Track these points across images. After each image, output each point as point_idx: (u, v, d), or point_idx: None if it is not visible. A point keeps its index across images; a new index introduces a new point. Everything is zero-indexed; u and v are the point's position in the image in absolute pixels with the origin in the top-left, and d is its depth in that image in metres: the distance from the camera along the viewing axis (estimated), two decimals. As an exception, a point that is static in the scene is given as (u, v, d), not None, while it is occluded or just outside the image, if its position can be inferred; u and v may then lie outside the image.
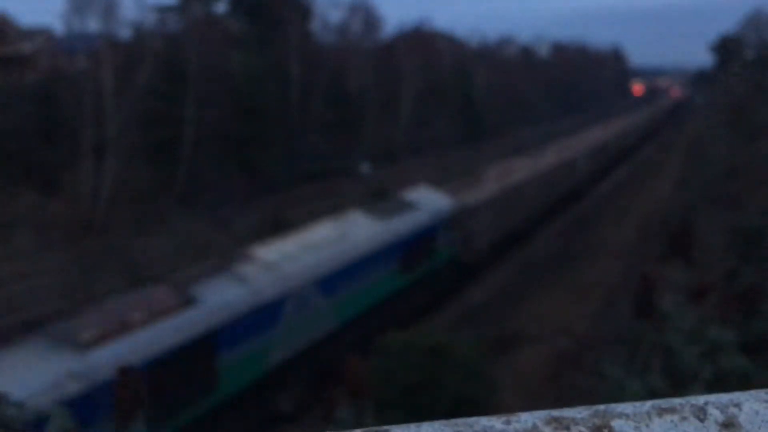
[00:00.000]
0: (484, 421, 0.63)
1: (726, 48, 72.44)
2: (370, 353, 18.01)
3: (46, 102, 38.33)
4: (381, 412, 15.88)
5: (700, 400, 0.67)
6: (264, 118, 43.52)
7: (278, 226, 33.46)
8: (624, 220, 42.51)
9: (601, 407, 0.69)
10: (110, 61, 38.11)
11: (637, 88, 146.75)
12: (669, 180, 52.84)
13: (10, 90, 39.76)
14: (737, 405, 0.66)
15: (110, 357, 13.73)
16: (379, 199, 35.70)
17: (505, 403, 19.13)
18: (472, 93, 67.20)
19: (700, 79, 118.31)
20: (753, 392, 0.68)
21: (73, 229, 33.77)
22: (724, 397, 0.67)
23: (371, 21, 58.62)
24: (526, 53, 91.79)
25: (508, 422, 0.64)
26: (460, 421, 0.62)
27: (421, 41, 63.62)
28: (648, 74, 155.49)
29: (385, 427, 0.73)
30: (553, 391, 20.18)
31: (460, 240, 31.44)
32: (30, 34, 47.68)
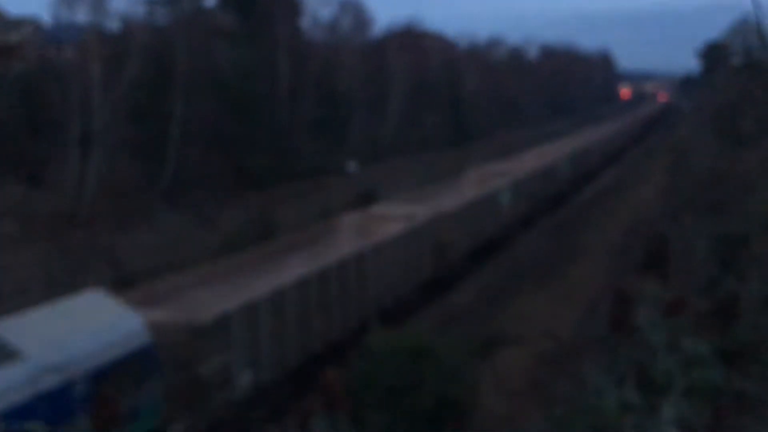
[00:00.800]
0: None
1: (712, 54, 73.08)
2: (351, 357, 18.06)
3: (32, 93, 38.14)
4: (362, 416, 15.93)
5: None
6: (252, 115, 43.48)
7: (264, 225, 33.47)
8: (608, 224, 42.69)
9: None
10: (98, 53, 37.96)
11: (625, 92, 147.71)
12: (653, 185, 53.13)
13: (-4, 81, 39.57)
14: None
15: None
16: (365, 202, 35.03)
17: (487, 406, 19.23)
18: (461, 94, 67.42)
19: (686, 84, 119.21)
20: None
21: (57, 222, 33.63)
22: None
23: (361, 19, 58.73)
24: (516, 55, 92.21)
25: None
26: None
27: (411, 41, 63.75)
28: (635, 78, 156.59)
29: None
30: (535, 394, 20.27)
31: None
32: (17, 23, 47.40)
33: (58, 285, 28.42)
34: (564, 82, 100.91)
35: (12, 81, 40.07)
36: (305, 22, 54.65)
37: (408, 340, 18.06)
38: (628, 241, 34.64)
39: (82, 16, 39.81)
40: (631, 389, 2.73)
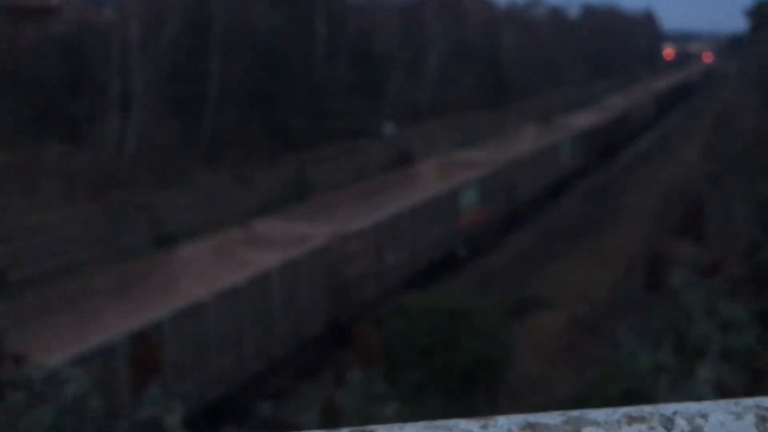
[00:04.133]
0: (462, 424, 0.65)
1: (761, 13, 70.85)
2: (385, 317, 18.20)
3: (73, 54, 38.44)
4: (397, 373, 16.09)
5: (669, 409, 0.70)
6: (288, 76, 43.40)
7: (301, 186, 33.62)
8: (648, 186, 42.17)
9: (575, 413, 0.72)
10: (137, 13, 38.08)
11: (668, 52, 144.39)
12: (696, 147, 52.22)
13: (37, 41, 39.91)
14: (704, 416, 0.69)
15: None
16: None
17: (522, 367, 19.28)
18: (500, 55, 66.48)
19: (732, 44, 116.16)
20: (722, 402, 0.71)
21: (97, 182, 34.12)
22: (692, 407, 0.70)
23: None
24: (556, 15, 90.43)
25: (485, 426, 0.67)
26: (440, 423, 0.65)
27: (449, 1, 62.87)
28: (680, 39, 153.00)
29: (370, 427, 0.76)
30: (570, 356, 20.27)
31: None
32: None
33: (100, 242, 29.03)
34: (606, 42, 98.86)
35: (52, 42, 40.45)
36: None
37: (443, 300, 18.17)
38: (667, 203, 34.24)
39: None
40: (666, 351, 2.70)
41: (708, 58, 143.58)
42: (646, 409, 0.72)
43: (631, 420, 0.69)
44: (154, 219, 32.02)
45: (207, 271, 17.73)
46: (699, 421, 0.69)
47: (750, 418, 0.68)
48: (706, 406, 0.70)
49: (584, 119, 50.21)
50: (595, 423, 0.69)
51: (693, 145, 54.52)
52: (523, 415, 0.71)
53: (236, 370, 16.57)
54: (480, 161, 33.47)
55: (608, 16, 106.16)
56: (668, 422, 0.69)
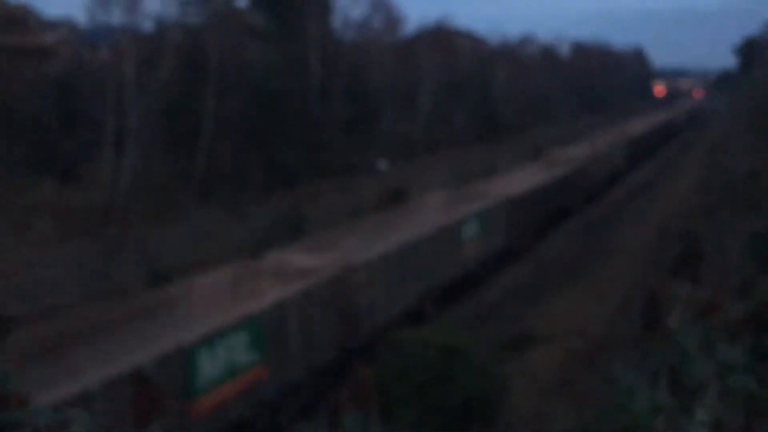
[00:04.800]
0: None
1: (749, 50, 71.82)
2: (382, 352, 18.10)
3: (68, 92, 38.70)
4: (392, 409, 15.96)
5: None
6: (283, 112, 43.76)
7: (295, 221, 33.66)
8: (641, 221, 42.32)
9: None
10: (132, 53, 38.41)
11: (659, 89, 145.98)
12: (688, 182, 52.58)
13: (33, 80, 40.18)
14: None
15: None
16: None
17: (517, 403, 19.16)
18: (492, 91, 67.18)
19: (721, 81, 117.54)
20: None
21: (92, 218, 34.10)
22: None
23: (392, 18, 58.79)
24: (547, 52, 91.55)
25: None
26: None
27: (442, 39, 63.66)
28: (670, 75, 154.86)
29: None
30: (565, 392, 20.16)
31: None
32: (53, 25, 48.21)
33: (92, 280, 28.88)
34: (597, 79, 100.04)
35: (48, 81, 40.74)
36: (336, 21, 54.88)
37: (438, 336, 18.09)
38: (661, 238, 34.34)
39: (116, 17, 40.36)
40: (663, 391, 2.78)
41: (698, 94, 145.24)
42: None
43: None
44: (148, 255, 31.93)
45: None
46: None
47: None
48: None
49: (520, 181, 38.09)
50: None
51: (685, 179, 54.80)
52: None
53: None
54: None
55: (599, 54, 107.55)
56: None
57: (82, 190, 36.41)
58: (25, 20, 44.68)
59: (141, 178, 37.54)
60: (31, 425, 1.87)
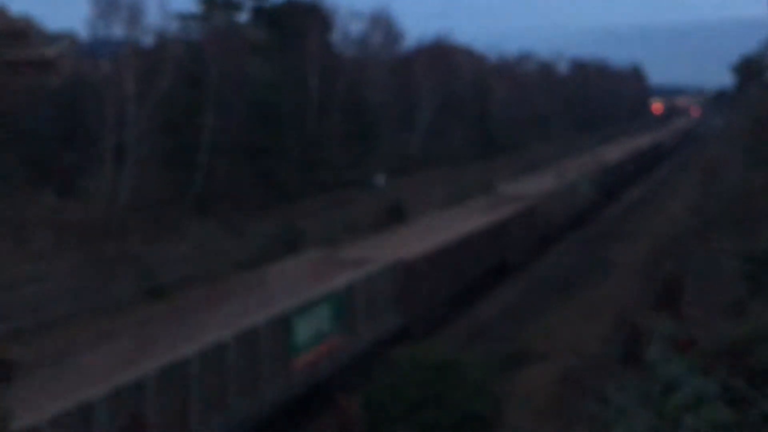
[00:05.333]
0: None
1: (747, 68, 72.19)
2: (375, 372, 18.17)
3: (68, 106, 38.88)
4: (387, 429, 16.04)
5: None
6: (281, 128, 43.99)
7: (292, 237, 33.79)
8: (635, 241, 42.39)
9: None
10: (133, 67, 38.64)
11: (656, 107, 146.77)
12: (682, 201, 52.68)
13: (33, 93, 40.36)
14: None
15: None
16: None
17: (511, 421, 19.24)
18: (490, 108, 67.50)
19: (718, 99, 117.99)
20: None
21: (89, 233, 34.19)
22: None
23: (391, 34, 59.16)
24: (545, 69, 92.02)
25: None
26: None
27: (440, 55, 64.04)
28: (667, 93, 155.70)
29: None
30: (559, 411, 20.25)
31: None
32: (54, 38, 48.50)
33: (91, 294, 28.95)
34: (594, 96, 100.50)
35: (49, 94, 40.93)
36: (335, 37, 55.22)
37: (432, 354, 18.14)
38: (653, 259, 34.43)
39: (117, 31, 40.59)
40: (642, 421, 3.05)
41: (696, 112, 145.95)
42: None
43: None
44: (145, 270, 32.03)
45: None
46: None
47: None
48: None
49: (436, 231, 29.61)
50: None
51: (678, 199, 54.91)
52: None
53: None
54: None
55: (596, 71, 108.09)
56: None
57: (81, 204, 36.53)
58: (26, 33, 44.98)
59: (139, 192, 37.68)
60: None
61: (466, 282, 29.33)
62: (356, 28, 58.03)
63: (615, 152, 63.72)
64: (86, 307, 28.08)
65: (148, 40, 43.49)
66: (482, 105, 66.77)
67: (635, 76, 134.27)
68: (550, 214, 39.86)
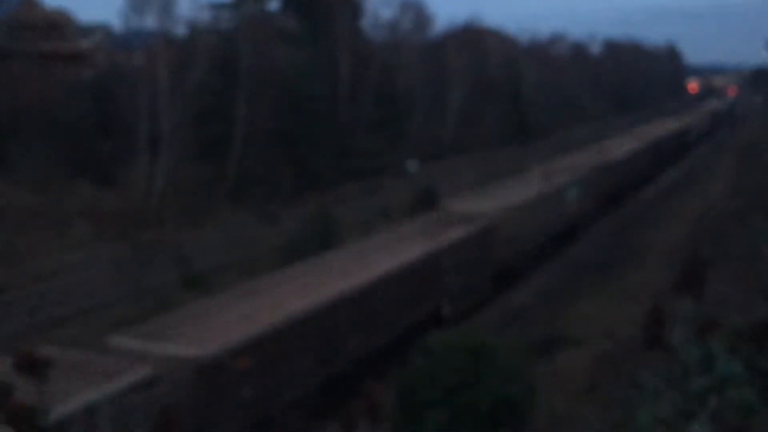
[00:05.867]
0: None
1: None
2: (411, 356, 18.19)
3: (104, 97, 39.33)
4: (423, 413, 16.10)
5: None
6: (313, 115, 44.09)
7: (325, 224, 33.92)
8: (672, 223, 41.95)
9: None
10: (165, 57, 38.95)
11: (693, 86, 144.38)
12: (721, 182, 51.91)
13: (69, 85, 40.95)
14: None
15: None
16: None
17: (546, 405, 19.24)
18: (522, 91, 66.89)
19: (756, 78, 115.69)
20: None
21: (127, 221, 34.67)
22: None
23: (422, 18, 58.87)
24: (578, 51, 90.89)
25: None
26: None
27: (471, 39, 63.59)
28: (704, 72, 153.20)
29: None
30: (593, 395, 20.21)
31: None
32: (88, 30, 49.06)
33: (127, 283, 29.43)
34: (628, 77, 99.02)
35: (84, 86, 41.48)
36: (366, 23, 55.12)
37: (467, 339, 18.14)
38: (690, 243, 34.04)
39: (151, 22, 40.92)
40: (665, 403, 2.82)
41: (733, 92, 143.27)
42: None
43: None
44: (182, 257, 32.44)
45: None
46: None
47: None
48: None
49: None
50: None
51: (718, 180, 53.96)
52: None
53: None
54: None
55: (630, 52, 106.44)
56: None
57: (118, 193, 37.02)
58: (61, 26, 45.53)
59: (174, 181, 38.06)
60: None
61: (357, 358, 20.55)
62: (386, 13, 57.92)
63: (623, 144, 53.02)
64: (124, 296, 28.62)
65: (180, 30, 43.88)
66: (514, 88, 66.18)
67: (670, 55, 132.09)
68: (514, 238, 30.42)
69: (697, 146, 75.27)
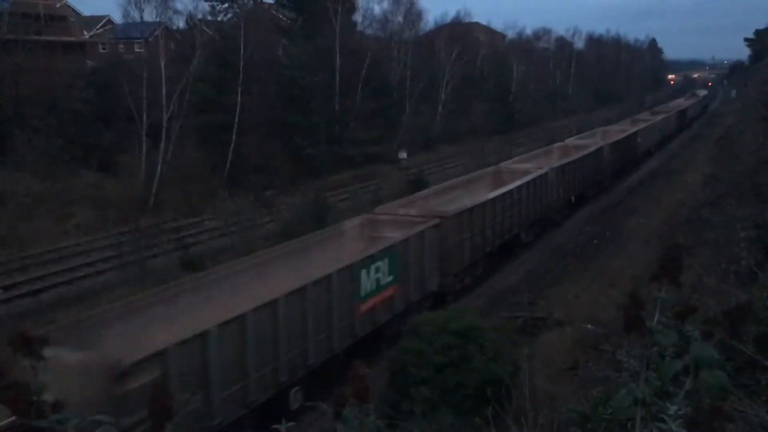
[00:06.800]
0: None
1: (762, 41, 72.27)
2: (400, 336, 19.14)
3: (106, 86, 40.09)
4: (412, 391, 17.02)
5: None
6: (308, 106, 44.96)
7: (319, 210, 34.86)
8: (651, 210, 42.84)
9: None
10: (164, 48, 39.69)
11: (673, 80, 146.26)
12: (698, 172, 52.84)
13: (72, 75, 41.68)
14: None
15: None
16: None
17: (529, 385, 20.43)
18: (508, 83, 67.98)
19: (733, 71, 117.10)
20: None
21: (128, 207, 35.51)
22: None
23: (412, 13, 59.86)
24: (562, 45, 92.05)
25: None
26: None
27: (460, 33, 64.59)
28: (684, 67, 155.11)
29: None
30: (576, 376, 21.32)
31: None
32: (91, 21, 49.73)
33: (128, 266, 30.25)
34: (611, 70, 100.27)
35: (86, 76, 42.22)
36: (359, 17, 56.11)
37: (455, 320, 19.00)
38: (668, 229, 35.17)
39: (150, 14, 41.60)
40: (642, 385, 2.90)
41: (711, 85, 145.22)
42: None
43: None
44: (180, 243, 33.34)
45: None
46: None
47: None
48: None
49: None
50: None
51: (695, 169, 55.00)
52: None
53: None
54: None
55: (613, 46, 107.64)
56: None
57: (119, 180, 37.81)
58: (65, 16, 46.13)
59: (173, 169, 38.89)
60: (62, 430, 1.94)
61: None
62: (379, 8, 58.81)
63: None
64: (129, 278, 29.44)
65: (179, 22, 44.66)
66: (501, 81, 67.30)
67: (651, 50, 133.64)
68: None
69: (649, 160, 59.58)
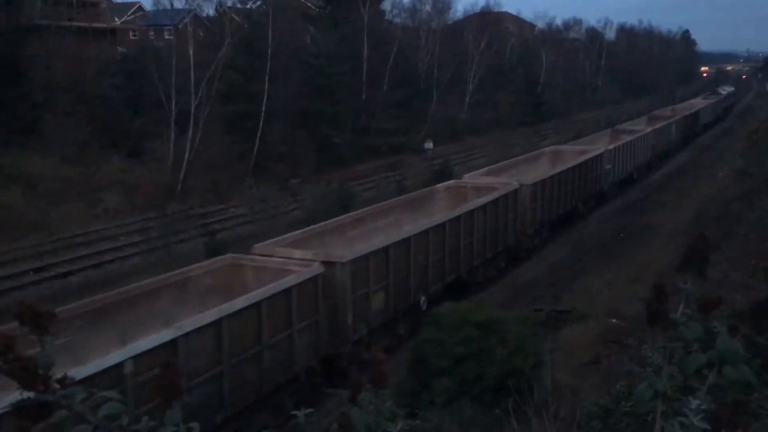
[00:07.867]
0: None
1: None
2: (422, 326, 19.25)
3: (135, 73, 40.45)
4: (432, 381, 17.12)
5: None
6: (334, 95, 45.06)
7: (345, 198, 35.04)
8: (681, 204, 42.51)
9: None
10: (193, 36, 39.95)
11: (706, 72, 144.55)
12: (729, 165, 52.28)
13: (103, 61, 42.13)
14: None
15: None
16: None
17: (552, 378, 20.43)
18: (537, 74, 67.55)
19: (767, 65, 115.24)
20: None
21: (156, 193, 35.92)
22: None
23: (441, 2, 59.68)
24: (592, 36, 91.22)
25: None
26: None
27: (488, 22, 64.31)
28: (717, 59, 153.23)
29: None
30: (598, 369, 21.28)
31: None
32: (122, 7, 50.19)
33: (156, 252, 30.67)
34: (642, 62, 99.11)
35: (117, 62, 42.63)
36: (387, 6, 56.03)
37: (476, 312, 19.04)
38: (698, 224, 34.85)
39: (180, 1, 41.90)
40: (664, 379, 2.84)
41: (745, 77, 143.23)
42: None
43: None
44: (205, 227, 33.72)
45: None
46: None
47: None
48: None
49: None
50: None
51: (725, 163, 54.45)
52: None
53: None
54: None
55: (645, 37, 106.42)
56: None
57: (148, 166, 38.23)
58: (96, 2, 46.56)
59: (201, 156, 39.23)
60: (68, 405, 1.94)
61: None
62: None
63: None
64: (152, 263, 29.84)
65: (209, 9, 44.90)
66: (529, 72, 66.92)
67: (684, 41, 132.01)
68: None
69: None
